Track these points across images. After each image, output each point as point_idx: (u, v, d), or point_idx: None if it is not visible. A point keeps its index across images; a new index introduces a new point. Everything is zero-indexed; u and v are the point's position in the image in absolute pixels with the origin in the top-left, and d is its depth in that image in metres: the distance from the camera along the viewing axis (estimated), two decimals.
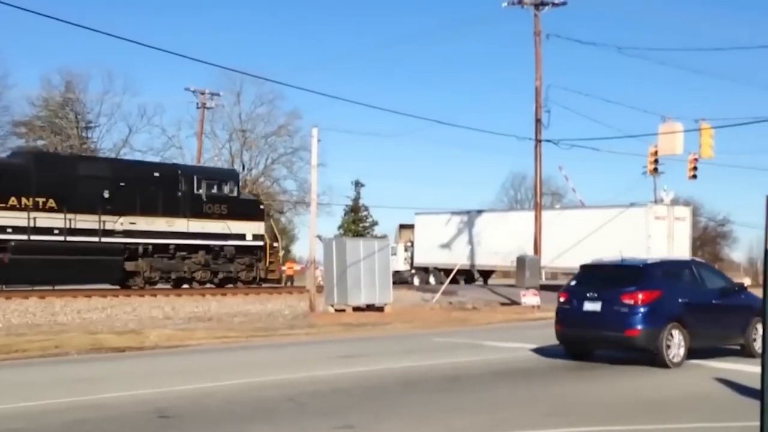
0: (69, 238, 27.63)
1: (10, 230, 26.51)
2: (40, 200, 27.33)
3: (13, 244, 26.48)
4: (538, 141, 32.45)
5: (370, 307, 26.47)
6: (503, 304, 30.81)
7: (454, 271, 33.87)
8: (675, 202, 37.98)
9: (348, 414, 9.03)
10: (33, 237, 26.74)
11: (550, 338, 15.06)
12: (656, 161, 36.00)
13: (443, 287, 31.46)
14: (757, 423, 6.22)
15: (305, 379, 11.92)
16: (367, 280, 26.49)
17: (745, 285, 15.95)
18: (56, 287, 27.65)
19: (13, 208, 26.71)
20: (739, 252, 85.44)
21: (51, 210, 27.51)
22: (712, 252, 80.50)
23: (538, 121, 32.39)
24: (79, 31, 52.71)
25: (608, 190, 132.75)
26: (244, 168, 57.28)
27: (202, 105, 51.77)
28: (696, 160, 33.97)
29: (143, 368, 13.54)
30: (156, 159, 53.67)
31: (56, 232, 27.53)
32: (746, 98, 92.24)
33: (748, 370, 11.73)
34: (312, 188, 27.51)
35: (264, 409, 9.40)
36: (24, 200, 27.00)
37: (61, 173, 28.33)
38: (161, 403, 9.67)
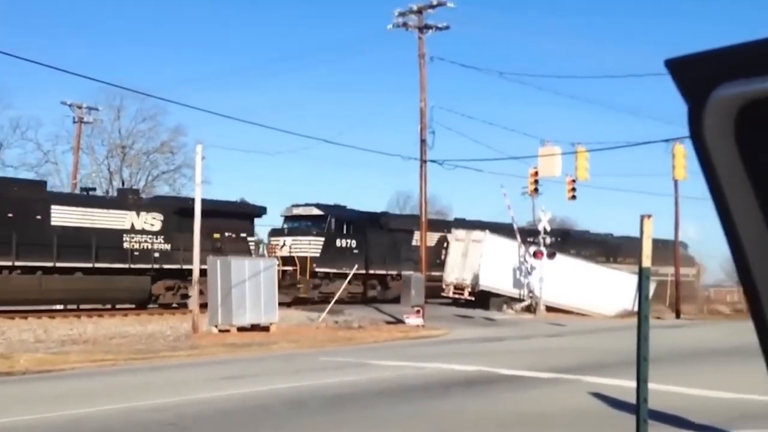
0: None
1: None
2: None
3: None
4: (423, 161, 32.95)
5: (255, 327, 26.06)
6: (389, 322, 31.00)
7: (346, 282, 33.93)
8: (552, 221, 39.82)
9: None
10: None
11: (435, 356, 15.21)
12: (536, 182, 37.34)
13: (329, 306, 31.37)
14: None
15: (187, 401, 11.56)
16: (253, 299, 26.08)
17: None
18: None
19: None
20: None
21: None
22: None
23: (423, 141, 32.89)
24: None
25: (491, 210, 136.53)
26: (123, 185, 55.47)
27: (79, 120, 49.83)
28: (574, 181, 35.40)
29: (12, 394, 12.81)
30: (30, 175, 51.24)
31: None
32: (618, 123, 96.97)
33: (623, 385, 12.18)
34: (196, 206, 26.90)
35: None
36: None
37: None
38: (32, 431, 9.15)
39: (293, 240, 36.56)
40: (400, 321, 30.04)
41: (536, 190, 37.69)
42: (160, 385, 13.98)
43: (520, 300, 39.16)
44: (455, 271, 39.22)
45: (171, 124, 62.70)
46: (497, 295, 39.28)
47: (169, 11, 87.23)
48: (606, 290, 39.09)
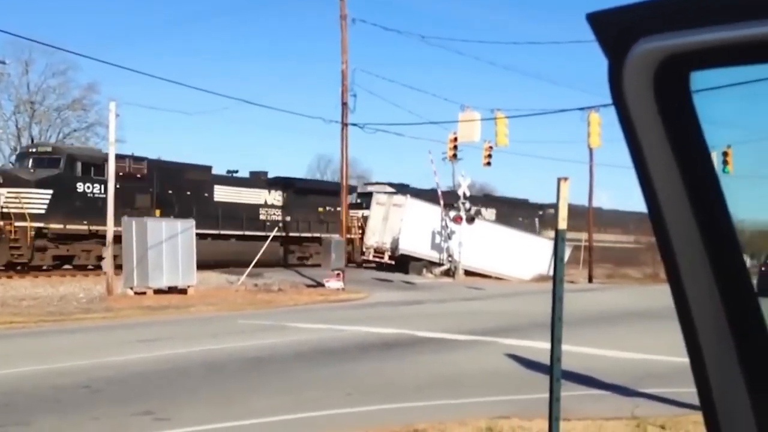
0: None
1: None
2: None
3: None
4: (344, 124, 32.77)
5: (172, 290, 25.67)
6: (309, 286, 30.99)
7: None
8: (471, 186, 40.47)
9: (146, 400, 8.68)
10: None
11: (355, 319, 15.27)
12: (455, 148, 37.65)
13: (249, 269, 31.11)
14: (546, 395, 6.62)
15: (100, 364, 11.33)
16: (170, 261, 25.65)
17: None
18: None
19: None
20: None
21: None
22: None
23: (344, 104, 32.69)
24: None
25: (411, 174, 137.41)
26: (32, 141, 53.41)
27: None
28: (491, 147, 35.80)
29: None
30: None
31: None
32: (536, 90, 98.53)
33: (537, 347, 12.50)
34: (109, 165, 26.17)
35: (53, 398, 8.82)
36: None
37: None
38: None
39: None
40: (320, 284, 30.06)
41: (455, 155, 38.04)
42: (73, 347, 13.65)
43: (440, 264, 39.68)
44: (375, 235, 39.73)
45: (83, 80, 60.63)
46: (417, 260, 39.73)
47: None
48: (523, 255, 39.95)
